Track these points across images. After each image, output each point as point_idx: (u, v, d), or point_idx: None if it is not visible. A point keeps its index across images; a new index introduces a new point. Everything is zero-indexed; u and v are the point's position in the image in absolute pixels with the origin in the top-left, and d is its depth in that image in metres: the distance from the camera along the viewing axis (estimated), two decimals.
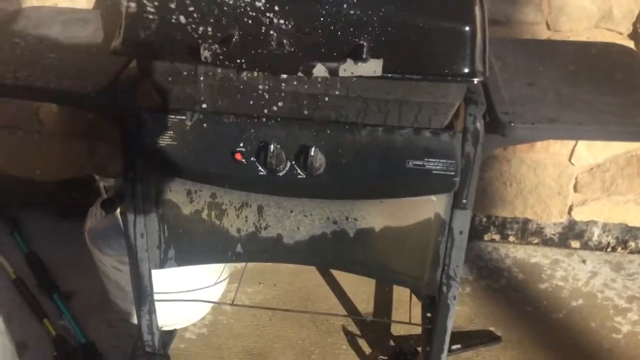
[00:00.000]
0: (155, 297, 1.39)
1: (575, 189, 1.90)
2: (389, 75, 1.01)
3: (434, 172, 1.11)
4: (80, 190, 1.95)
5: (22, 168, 2.07)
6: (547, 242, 2.03)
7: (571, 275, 1.92)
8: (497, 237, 2.05)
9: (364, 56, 0.99)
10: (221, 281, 1.61)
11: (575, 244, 2.02)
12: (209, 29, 1.01)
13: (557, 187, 1.89)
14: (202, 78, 1.09)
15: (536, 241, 2.03)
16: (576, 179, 1.88)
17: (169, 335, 1.64)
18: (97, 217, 1.51)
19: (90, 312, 1.76)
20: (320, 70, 1.00)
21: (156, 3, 1.01)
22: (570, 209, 1.95)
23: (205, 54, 1.01)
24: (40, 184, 2.08)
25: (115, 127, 1.20)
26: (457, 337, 1.67)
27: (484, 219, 2.01)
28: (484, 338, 1.70)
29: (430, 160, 1.11)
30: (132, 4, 1.03)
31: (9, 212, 2.08)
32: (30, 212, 2.09)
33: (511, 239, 2.04)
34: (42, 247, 1.96)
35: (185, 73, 1.08)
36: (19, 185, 2.09)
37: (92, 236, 1.50)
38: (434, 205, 1.19)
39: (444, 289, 1.26)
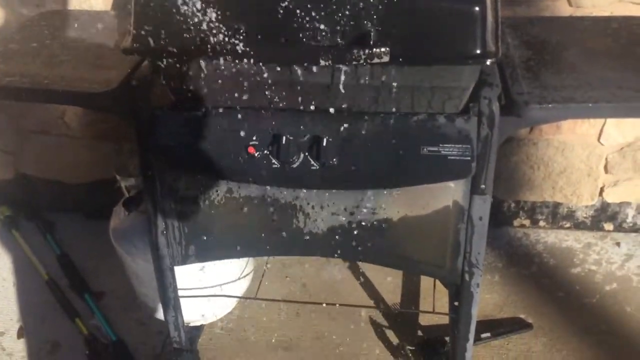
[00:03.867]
0: (180, 293, 1.41)
1: (605, 169, 1.85)
2: (398, 61, 0.99)
3: (449, 157, 1.09)
4: (107, 191, 1.98)
5: (52, 171, 2.11)
6: (579, 225, 1.98)
7: (604, 259, 1.87)
8: (527, 222, 2.00)
9: (371, 43, 0.97)
10: (245, 275, 1.61)
11: (608, 226, 1.96)
12: (217, 23, 1.00)
13: (587, 168, 1.84)
14: (212, 73, 1.08)
15: (568, 225, 1.98)
16: (606, 159, 1.83)
17: (196, 330, 1.66)
18: (120, 216, 1.53)
19: (120, 310, 1.79)
20: (326, 59, 0.99)
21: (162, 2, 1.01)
22: (602, 190, 1.90)
23: (213, 48, 1.01)
24: (70, 186, 2.12)
25: (131, 126, 1.21)
26: (487, 325, 1.65)
27: (513, 205, 1.97)
28: (514, 326, 1.67)
29: (445, 145, 1.09)
30: (139, 4, 1.03)
31: (41, 215, 2.13)
32: (61, 214, 2.14)
33: (541, 223, 2.00)
34: (73, 248, 2.00)
35: (195, 69, 1.08)
36: (50, 188, 2.14)
37: (117, 235, 1.52)
38: (452, 192, 1.17)
39: (467, 276, 1.24)
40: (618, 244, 1.92)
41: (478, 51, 0.98)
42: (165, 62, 1.09)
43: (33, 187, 2.15)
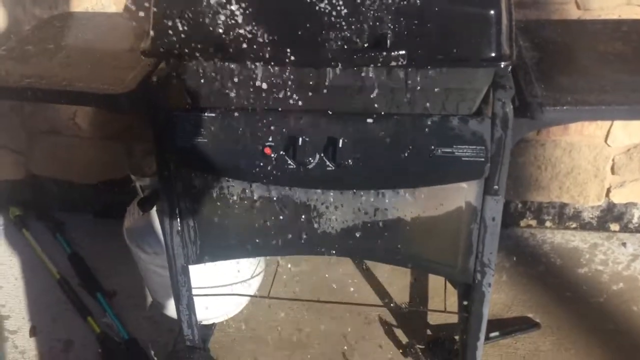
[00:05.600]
0: (193, 292, 1.42)
1: (612, 170, 1.86)
2: (415, 64, 1.01)
3: (463, 158, 1.10)
4: (118, 190, 2.00)
5: (63, 171, 2.13)
6: (585, 226, 1.99)
7: (611, 259, 1.88)
8: (533, 222, 2.02)
9: (388, 45, 0.99)
10: (257, 275, 1.63)
11: (614, 226, 1.98)
12: (237, 26, 1.02)
13: (594, 169, 1.86)
14: (229, 75, 1.10)
15: (574, 225, 2.00)
16: (613, 160, 1.84)
17: (208, 329, 1.68)
18: (134, 216, 1.55)
19: (132, 309, 1.81)
20: (344, 62, 1.00)
21: (183, 3, 1.02)
22: (608, 191, 1.91)
23: (233, 50, 1.03)
24: (80, 186, 2.14)
25: (148, 127, 1.23)
26: (494, 324, 1.67)
27: (520, 205, 1.99)
28: (522, 325, 1.69)
29: (459, 147, 1.10)
30: (160, 5, 1.05)
31: (51, 215, 2.15)
32: (71, 214, 2.15)
33: (548, 224, 2.01)
34: (84, 248, 2.02)
35: (213, 72, 1.10)
36: (61, 188, 2.16)
37: (131, 235, 1.54)
38: (465, 193, 1.18)
39: (479, 276, 1.25)
40: (624, 244, 1.93)
41: (493, 54, 1.00)
42: (184, 64, 1.11)
43: (43, 187, 2.17)
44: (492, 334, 1.63)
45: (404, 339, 1.68)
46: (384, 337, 1.69)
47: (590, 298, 1.76)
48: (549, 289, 1.80)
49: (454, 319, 1.63)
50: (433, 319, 1.72)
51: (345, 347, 1.67)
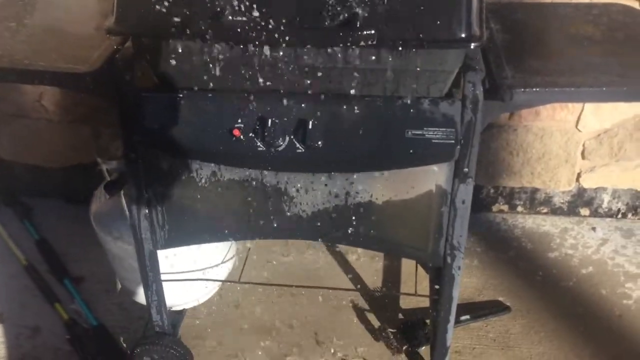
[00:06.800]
0: (162, 277, 1.40)
1: (583, 156, 1.88)
2: (385, 44, 1.00)
3: (433, 141, 1.10)
4: (86, 175, 1.96)
5: (30, 155, 2.09)
6: (556, 210, 2.01)
7: (581, 243, 1.91)
8: (505, 207, 2.03)
9: (358, 25, 0.97)
10: (228, 260, 1.61)
11: (584, 211, 2.00)
12: (201, 3, 1.00)
13: (565, 154, 1.87)
14: (196, 55, 1.08)
15: (545, 210, 2.02)
16: (584, 145, 1.86)
17: (178, 315, 1.66)
18: (101, 200, 1.52)
19: (101, 295, 1.78)
20: (314, 41, 0.99)
21: None
22: (579, 176, 1.93)
23: (199, 29, 1.00)
24: (48, 171, 2.10)
25: (113, 108, 1.20)
26: (466, 308, 1.68)
27: (492, 190, 2.00)
28: (493, 308, 1.70)
29: (429, 129, 1.10)
30: None
31: (18, 200, 2.10)
32: (39, 199, 2.11)
33: (519, 209, 2.03)
34: (52, 233, 1.98)
35: (180, 50, 1.07)
36: (28, 172, 2.12)
37: (98, 219, 1.51)
38: (435, 176, 1.18)
39: (449, 259, 1.25)
40: (594, 228, 1.96)
41: (463, 35, 0.99)
42: (149, 43, 1.08)
43: (10, 171, 2.12)
44: (463, 317, 1.64)
45: (376, 323, 1.68)
46: (357, 322, 1.69)
47: (560, 282, 1.78)
48: (520, 273, 1.81)
49: (425, 302, 1.65)
50: (405, 303, 1.72)
51: (318, 332, 1.66)
